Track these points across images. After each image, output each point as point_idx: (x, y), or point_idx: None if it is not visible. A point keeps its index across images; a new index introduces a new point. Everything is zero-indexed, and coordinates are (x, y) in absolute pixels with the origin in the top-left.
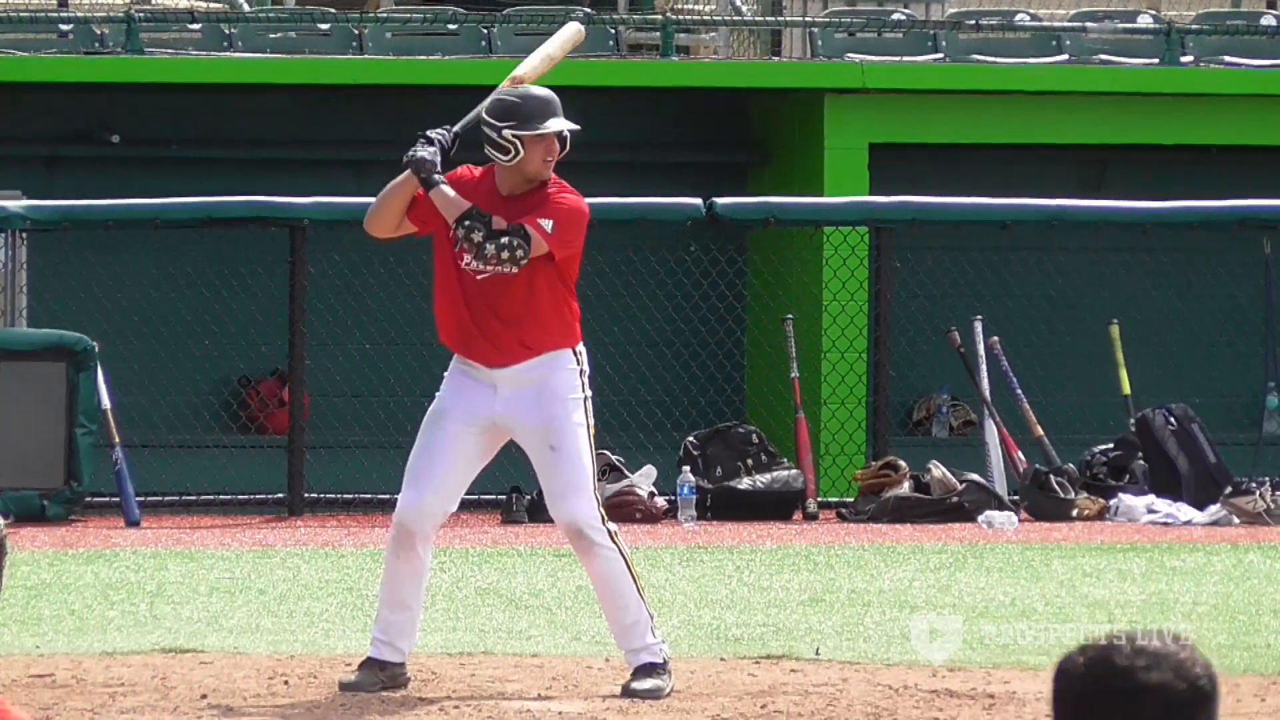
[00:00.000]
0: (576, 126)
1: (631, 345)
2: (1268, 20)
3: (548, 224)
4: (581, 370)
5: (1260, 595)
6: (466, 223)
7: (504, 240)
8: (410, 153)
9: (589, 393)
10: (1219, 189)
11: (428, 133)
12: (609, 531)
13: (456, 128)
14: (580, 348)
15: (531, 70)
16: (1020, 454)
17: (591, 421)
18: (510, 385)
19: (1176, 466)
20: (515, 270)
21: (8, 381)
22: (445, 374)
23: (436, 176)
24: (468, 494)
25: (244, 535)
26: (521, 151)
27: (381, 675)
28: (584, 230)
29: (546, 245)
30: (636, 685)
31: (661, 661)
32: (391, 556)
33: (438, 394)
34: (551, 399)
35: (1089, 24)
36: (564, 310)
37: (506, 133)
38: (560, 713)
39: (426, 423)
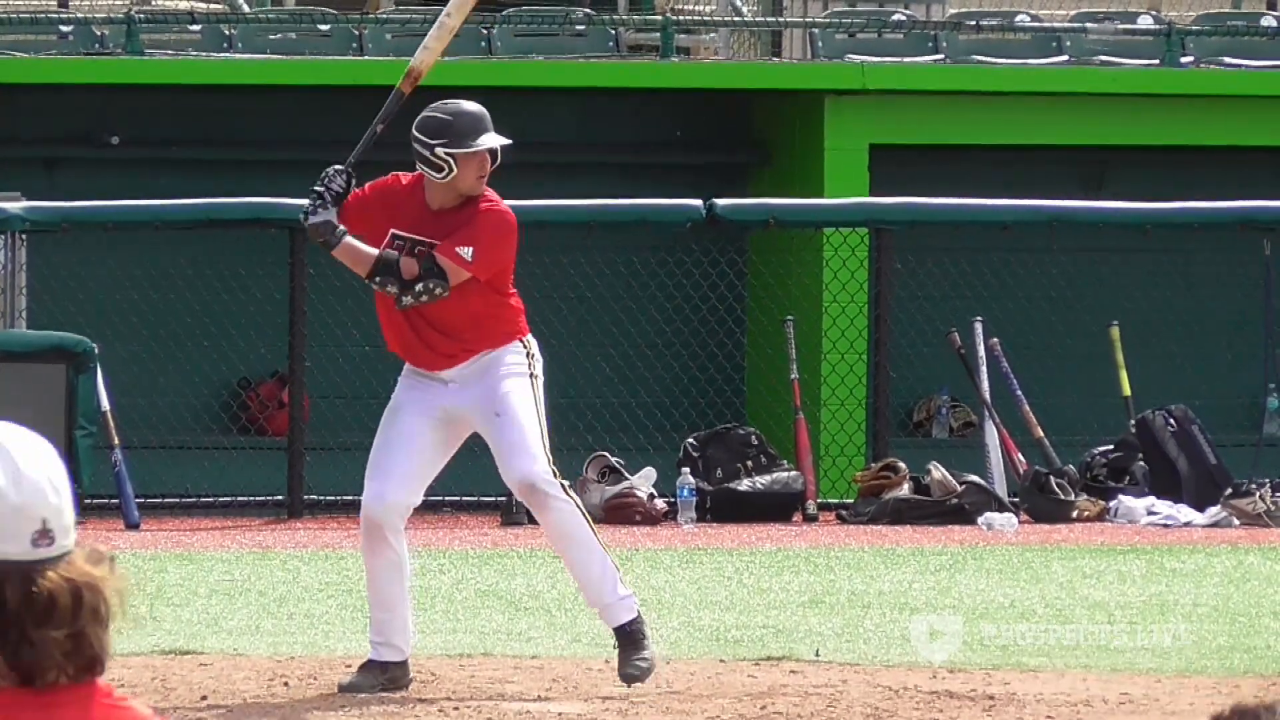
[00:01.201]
0: (508, 141)
1: (631, 346)
2: (1268, 21)
3: (466, 251)
4: (530, 354)
5: (1260, 597)
6: (378, 279)
7: (419, 288)
8: (302, 217)
9: (536, 372)
10: (1219, 190)
11: (316, 187)
12: (562, 485)
13: (351, 158)
14: (529, 339)
15: (429, 54)
16: (1020, 455)
17: (540, 395)
18: (459, 380)
19: (1176, 468)
20: None
21: (7, 383)
22: (400, 374)
23: (336, 235)
24: (468, 496)
25: (244, 537)
26: (455, 169)
27: (382, 677)
28: (513, 243)
29: (468, 273)
30: (630, 670)
31: (636, 616)
32: (366, 554)
33: (394, 392)
34: (493, 375)
35: (1089, 25)
36: (501, 313)
37: (439, 151)
38: (560, 714)
39: (384, 418)
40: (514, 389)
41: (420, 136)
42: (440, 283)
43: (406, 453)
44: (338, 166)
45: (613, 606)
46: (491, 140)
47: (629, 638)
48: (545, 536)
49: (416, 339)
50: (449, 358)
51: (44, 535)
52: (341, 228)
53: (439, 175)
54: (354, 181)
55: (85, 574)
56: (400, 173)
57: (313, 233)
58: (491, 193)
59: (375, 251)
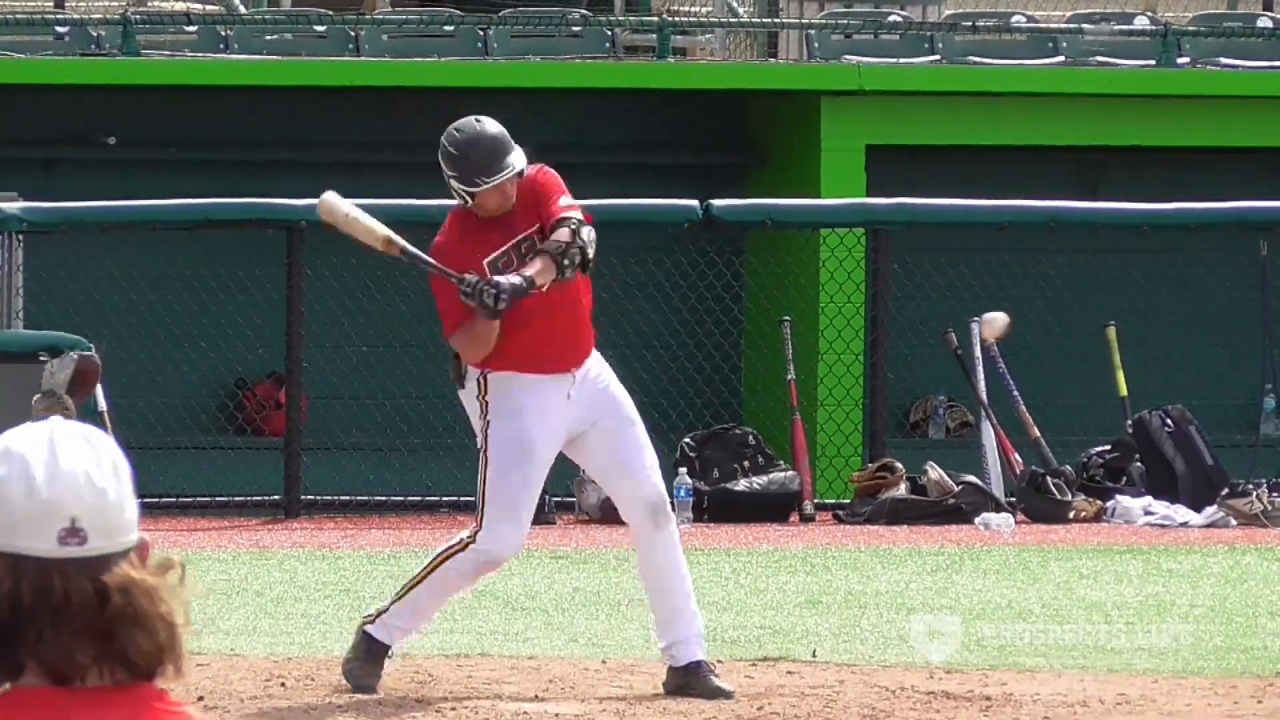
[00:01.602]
0: (524, 165)
1: (628, 347)
2: (1264, 22)
3: (564, 199)
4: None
5: (1257, 597)
6: (565, 263)
7: (581, 240)
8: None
9: None
10: (1216, 191)
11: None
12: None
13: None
14: None
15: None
16: (1017, 456)
17: None
18: (581, 385)
19: (1173, 468)
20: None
21: (4, 383)
22: (501, 400)
23: (523, 289)
24: (463, 496)
25: (241, 537)
26: (471, 201)
27: (385, 663)
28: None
29: (580, 211)
30: (715, 689)
31: (705, 658)
32: (465, 581)
33: (511, 416)
34: (606, 380)
35: (1085, 26)
36: (588, 305)
37: (454, 184)
38: (557, 714)
39: (516, 449)
40: (628, 399)
41: (442, 164)
42: (584, 225)
43: (537, 491)
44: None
45: (690, 641)
46: (508, 170)
47: (698, 675)
48: (643, 559)
49: (562, 336)
50: (582, 349)
51: (73, 534)
52: (518, 285)
53: (461, 203)
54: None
55: (123, 577)
56: (457, 204)
57: (513, 299)
58: (531, 168)
59: (543, 253)
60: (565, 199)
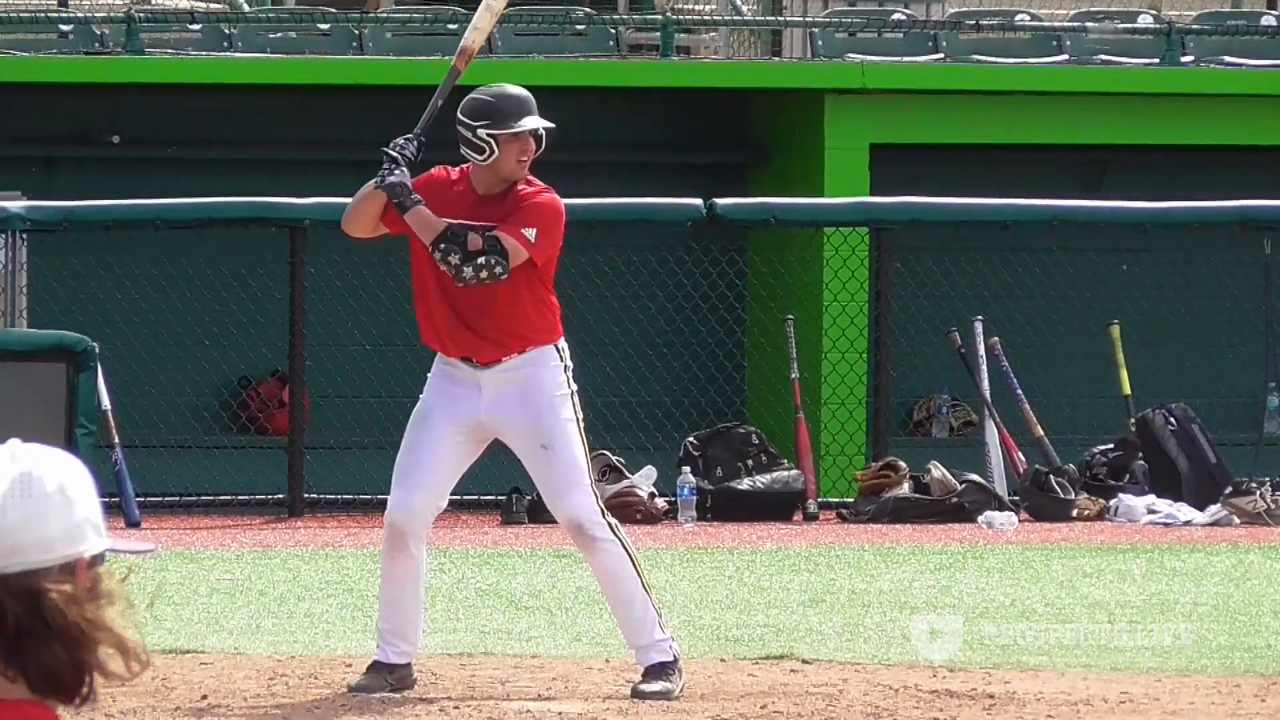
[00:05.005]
0: (551, 125)
1: (632, 346)
2: (1268, 20)
3: (531, 233)
4: (565, 366)
5: (1260, 596)
6: (443, 246)
7: (480, 261)
8: (380, 178)
9: (574, 387)
10: (1219, 189)
11: (390, 150)
12: (610, 525)
13: (418, 130)
14: (562, 343)
15: (477, 33)
16: (1020, 454)
17: (580, 415)
18: (494, 385)
19: (1177, 467)
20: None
21: (8, 382)
22: (429, 375)
23: (411, 199)
24: (468, 495)
25: (244, 536)
26: (497, 151)
27: (389, 678)
28: (562, 232)
29: (528, 254)
30: (645, 688)
31: (671, 660)
32: (386, 559)
33: (422, 394)
34: (537, 396)
35: (1089, 24)
36: (543, 306)
37: (481, 132)
38: (560, 713)
39: (412, 422)
40: (561, 417)
41: (463, 118)
42: (501, 261)
43: (435, 460)
44: (407, 135)
45: (648, 648)
46: (534, 122)
47: (656, 671)
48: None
49: (458, 328)
50: (488, 352)
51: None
52: (415, 194)
53: (480, 157)
54: (422, 149)
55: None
56: (447, 166)
57: (389, 192)
58: (536, 180)
59: (445, 221)
60: (533, 232)
